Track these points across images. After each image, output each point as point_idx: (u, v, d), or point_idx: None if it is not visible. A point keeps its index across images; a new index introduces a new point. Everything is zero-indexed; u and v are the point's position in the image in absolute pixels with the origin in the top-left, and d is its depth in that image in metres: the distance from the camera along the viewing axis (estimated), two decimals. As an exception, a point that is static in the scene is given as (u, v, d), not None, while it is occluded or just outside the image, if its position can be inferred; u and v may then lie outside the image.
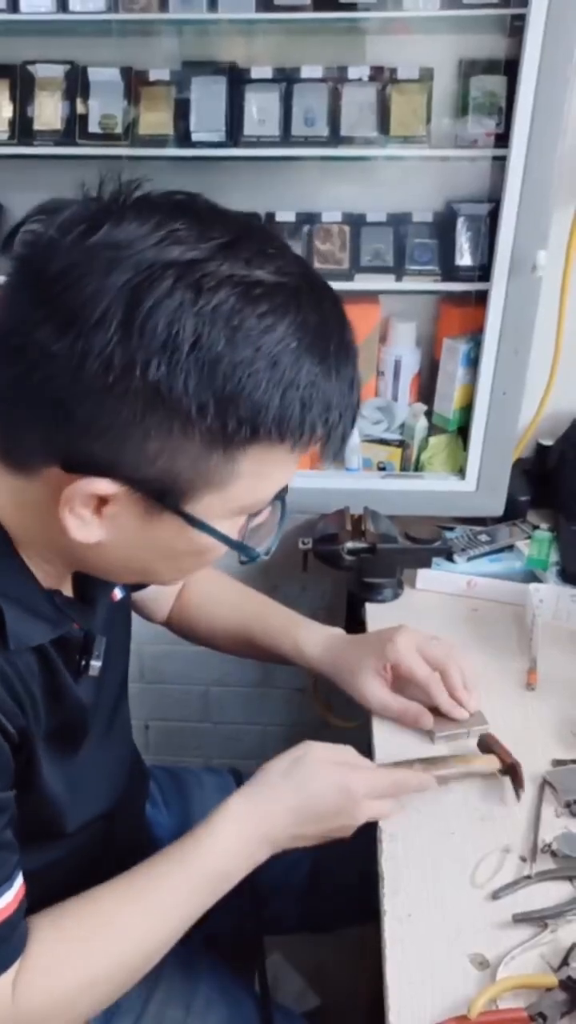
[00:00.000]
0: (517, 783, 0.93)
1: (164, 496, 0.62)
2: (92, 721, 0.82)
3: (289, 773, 0.84)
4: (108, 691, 0.88)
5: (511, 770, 0.94)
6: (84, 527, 0.64)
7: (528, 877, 0.85)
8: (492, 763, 0.95)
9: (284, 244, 0.65)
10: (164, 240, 0.57)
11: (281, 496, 0.71)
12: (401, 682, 1.03)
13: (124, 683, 0.95)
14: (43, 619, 0.71)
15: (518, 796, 0.93)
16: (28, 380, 0.59)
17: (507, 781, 0.95)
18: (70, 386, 0.58)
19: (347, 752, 0.88)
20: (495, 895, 0.84)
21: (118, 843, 0.93)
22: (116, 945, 0.74)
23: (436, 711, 1.02)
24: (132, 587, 0.99)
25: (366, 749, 1.05)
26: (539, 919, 0.81)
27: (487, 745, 0.97)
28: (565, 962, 0.77)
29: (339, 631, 1.10)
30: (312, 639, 1.07)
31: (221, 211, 0.63)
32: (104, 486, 0.61)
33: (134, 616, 1.01)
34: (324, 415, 0.62)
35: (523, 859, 0.87)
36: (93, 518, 0.64)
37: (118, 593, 0.90)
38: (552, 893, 0.84)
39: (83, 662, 0.79)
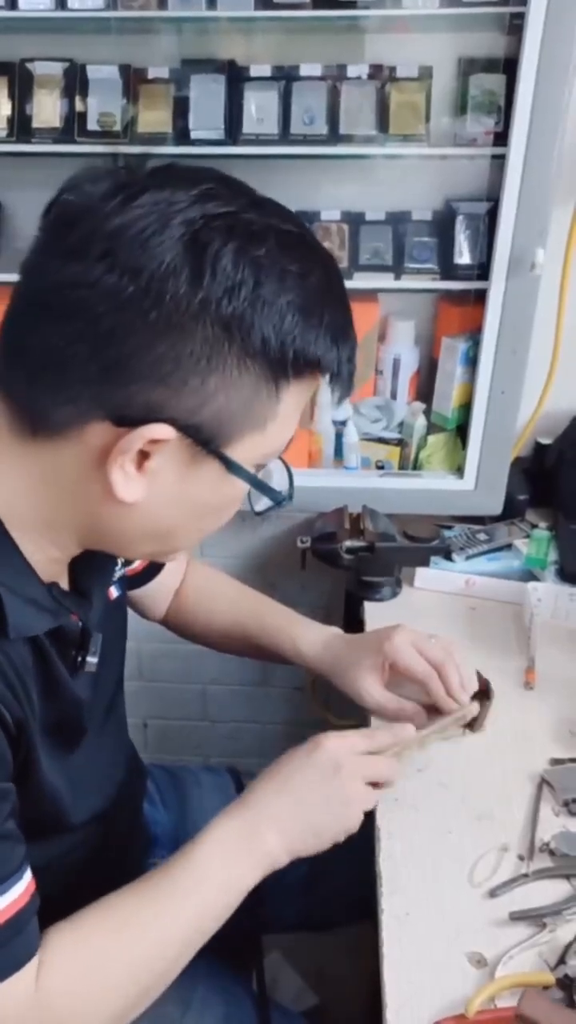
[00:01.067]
0: (483, 710, 0.98)
1: (212, 440, 0.65)
2: (88, 718, 0.82)
3: (267, 770, 0.85)
4: (104, 689, 0.88)
5: (481, 693, 0.98)
6: (128, 483, 0.65)
7: (525, 875, 0.85)
8: (473, 709, 0.98)
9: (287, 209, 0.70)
10: (202, 197, 0.62)
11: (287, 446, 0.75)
12: (397, 681, 1.03)
13: (120, 681, 0.95)
14: (42, 609, 0.71)
15: (471, 727, 0.99)
16: (92, 332, 0.61)
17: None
18: (140, 332, 0.60)
19: (328, 738, 0.87)
20: (492, 893, 0.84)
21: (116, 841, 0.93)
22: (137, 947, 0.73)
23: (432, 710, 1.02)
24: (128, 585, 0.99)
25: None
26: (536, 917, 0.81)
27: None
28: (562, 960, 0.77)
29: (337, 630, 1.10)
30: (310, 639, 1.07)
31: (238, 182, 0.68)
32: (161, 431, 0.63)
33: (131, 615, 1.01)
34: (348, 351, 0.69)
35: (521, 858, 0.88)
36: (137, 474, 0.65)
37: (114, 591, 0.90)
38: (550, 891, 0.84)
39: (79, 658, 0.79)
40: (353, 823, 0.82)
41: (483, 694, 0.99)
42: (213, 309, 0.60)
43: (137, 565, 1.01)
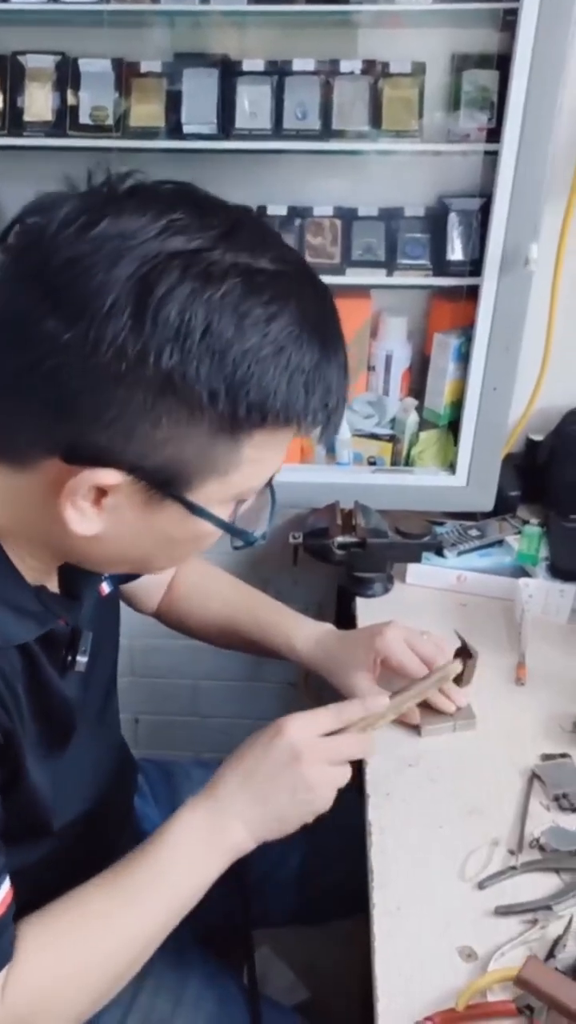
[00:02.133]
0: (466, 669, 0.98)
1: (168, 484, 0.63)
2: (80, 716, 0.81)
3: (230, 759, 0.83)
4: (96, 686, 0.88)
5: (462, 652, 0.98)
6: (84, 520, 0.64)
7: (513, 868, 0.86)
8: (455, 668, 0.98)
9: (277, 233, 0.66)
10: (166, 230, 0.58)
11: (269, 481, 0.72)
12: (389, 677, 1.03)
13: (113, 677, 0.95)
14: (29, 616, 0.71)
15: (458, 681, 0.99)
16: (35, 371, 0.59)
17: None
18: (81, 376, 0.58)
19: (287, 722, 0.84)
20: (480, 885, 0.84)
21: (106, 837, 0.93)
22: (104, 942, 0.73)
23: (423, 705, 1.02)
24: (120, 580, 0.98)
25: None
26: (522, 912, 0.81)
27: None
28: (552, 954, 0.77)
29: (330, 627, 1.10)
30: (304, 634, 1.08)
31: (215, 200, 0.64)
32: (109, 476, 0.61)
33: (124, 609, 1.01)
34: (326, 399, 0.64)
35: (511, 852, 0.88)
36: (93, 510, 0.64)
37: (106, 587, 0.89)
38: (540, 886, 0.84)
39: (69, 658, 0.78)
40: (321, 805, 0.81)
41: (464, 652, 0.98)
42: (152, 361, 0.57)
43: None
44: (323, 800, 0.80)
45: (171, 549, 0.72)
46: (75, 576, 0.79)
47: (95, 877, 0.76)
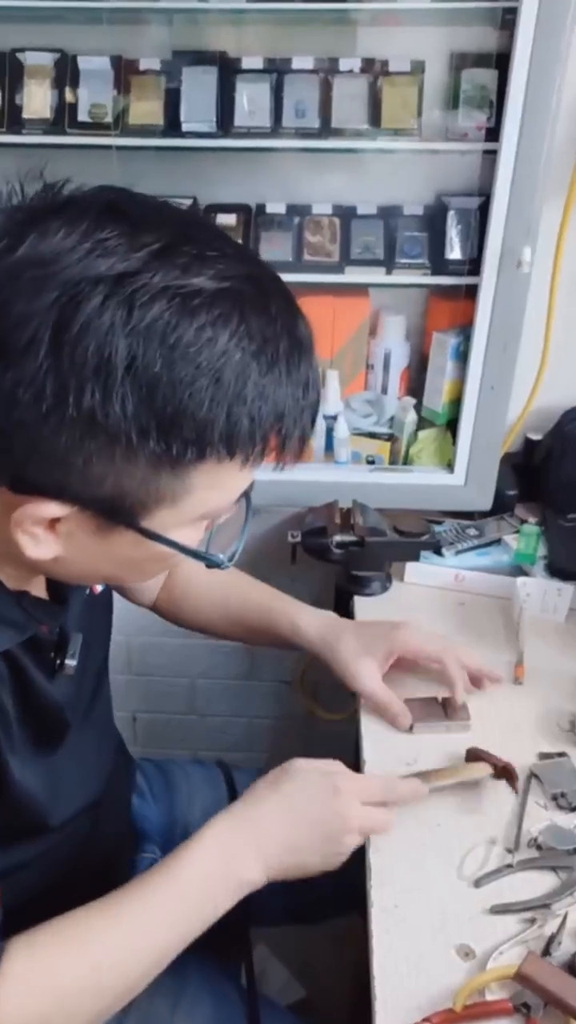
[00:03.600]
0: (514, 782, 0.94)
1: (115, 514, 0.61)
2: (71, 716, 0.81)
3: (276, 782, 0.81)
4: (85, 684, 0.87)
5: (505, 773, 0.94)
6: (38, 545, 0.62)
7: (510, 866, 0.86)
8: (484, 769, 0.95)
9: (226, 240, 0.60)
10: (92, 252, 0.53)
11: (246, 495, 0.69)
12: (397, 676, 1.03)
13: (102, 672, 0.94)
14: (7, 624, 0.69)
15: (514, 789, 0.94)
16: None
17: (502, 783, 0.95)
18: (6, 415, 0.55)
19: (335, 764, 0.85)
20: (477, 883, 0.84)
21: (104, 835, 0.93)
22: (93, 969, 0.70)
23: (417, 703, 1.03)
24: None
25: (353, 742, 1.05)
26: (518, 911, 0.81)
27: (476, 756, 0.97)
28: (547, 951, 0.77)
29: (332, 614, 1.10)
30: (307, 619, 1.07)
31: (156, 208, 0.59)
32: (52, 509, 0.59)
33: (121, 607, 1.01)
34: (276, 425, 0.60)
35: (509, 851, 0.88)
36: (47, 536, 0.62)
37: (98, 586, 0.89)
38: (537, 884, 0.84)
39: (58, 661, 0.77)
40: (334, 864, 0.81)
41: (506, 771, 0.95)
42: (72, 401, 0.53)
43: None
44: (338, 860, 0.81)
45: (136, 569, 0.70)
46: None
47: (99, 900, 0.73)
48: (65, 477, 0.58)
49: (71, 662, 0.77)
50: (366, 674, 1.02)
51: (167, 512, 0.62)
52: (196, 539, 0.67)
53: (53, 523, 0.61)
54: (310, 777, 0.82)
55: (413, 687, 1.07)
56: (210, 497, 0.63)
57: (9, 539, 0.63)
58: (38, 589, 0.76)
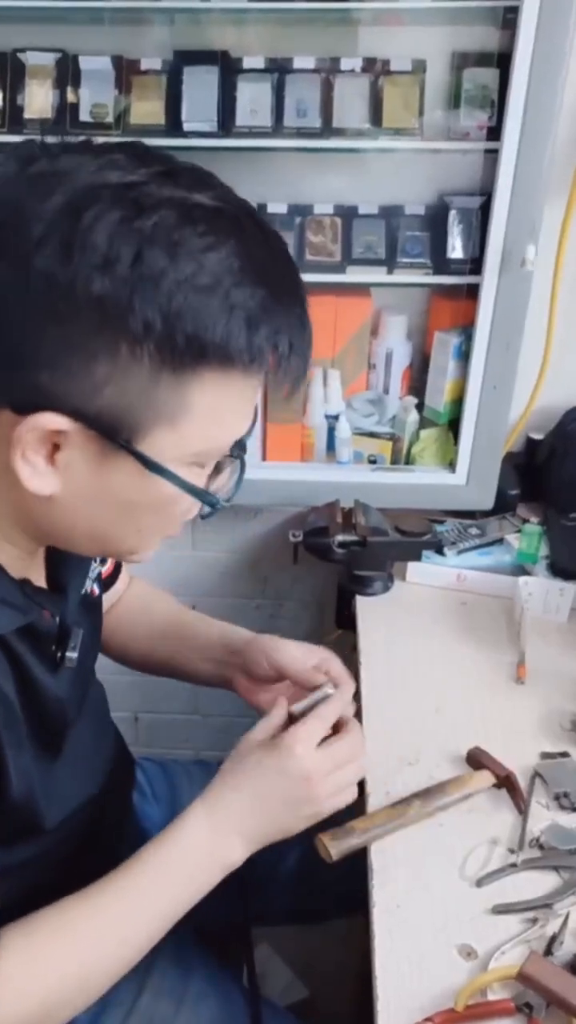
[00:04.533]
0: (516, 794, 0.93)
1: (115, 431, 0.61)
2: (71, 714, 0.81)
3: (237, 763, 0.82)
4: (79, 682, 0.87)
5: (507, 783, 0.94)
6: (37, 476, 0.62)
7: (513, 866, 0.85)
8: (487, 779, 0.94)
9: (224, 184, 0.63)
10: (103, 168, 0.57)
11: (240, 450, 0.70)
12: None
13: (92, 672, 0.93)
14: (10, 607, 0.69)
15: (519, 808, 0.92)
16: None
17: (505, 792, 0.95)
18: (14, 312, 0.57)
19: (275, 717, 0.84)
20: (479, 883, 0.84)
21: (106, 833, 0.93)
22: (88, 957, 0.72)
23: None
24: (105, 586, 0.97)
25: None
26: (523, 910, 0.81)
27: (477, 760, 0.97)
28: (549, 951, 0.77)
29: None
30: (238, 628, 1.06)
31: (163, 154, 0.63)
32: (53, 420, 0.59)
33: None
34: (272, 339, 0.61)
35: (511, 851, 0.88)
36: (47, 467, 0.62)
37: (96, 589, 0.89)
38: (539, 884, 0.84)
39: (59, 654, 0.77)
40: (322, 815, 0.82)
41: (508, 781, 0.94)
42: (82, 287, 0.55)
43: (108, 567, 0.99)
44: (323, 815, 0.81)
45: (133, 517, 0.68)
46: (63, 569, 0.79)
47: (86, 889, 0.74)
48: (68, 381, 0.59)
49: (72, 655, 0.77)
50: (288, 648, 0.97)
51: (167, 435, 0.62)
52: (196, 483, 0.67)
53: (53, 452, 0.62)
54: (262, 753, 0.81)
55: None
56: (208, 429, 0.63)
57: (7, 480, 0.63)
58: (38, 579, 0.76)
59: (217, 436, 0.65)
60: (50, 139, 0.61)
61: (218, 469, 0.70)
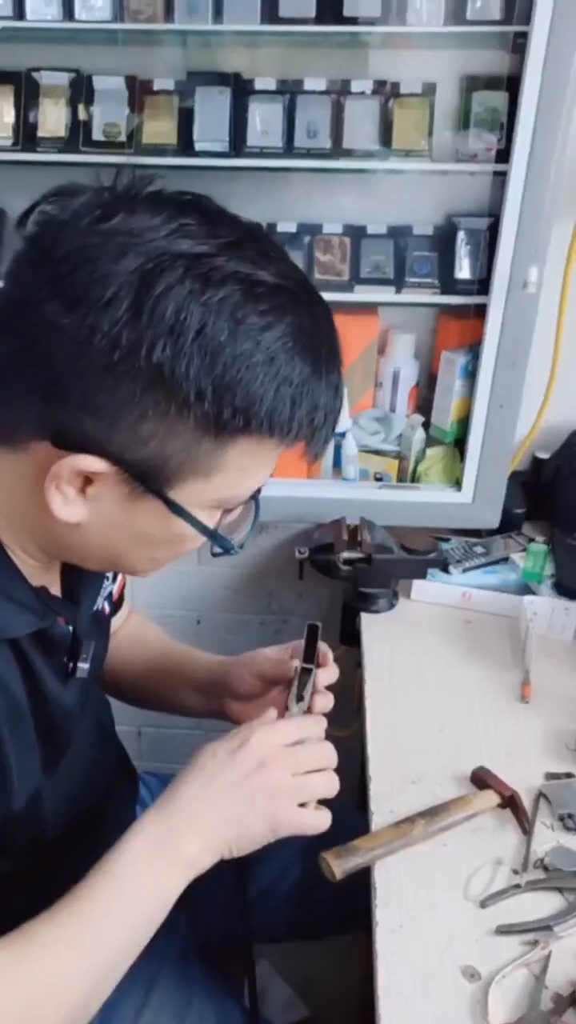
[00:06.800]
0: (520, 815, 0.93)
1: (150, 479, 0.63)
2: (75, 725, 0.81)
3: (192, 765, 0.77)
4: (85, 694, 0.87)
5: (511, 803, 0.94)
6: (67, 505, 0.64)
7: (517, 887, 0.85)
8: (491, 799, 0.94)
9: (284, 251, 0.67)
10: (175, 232, 0.59)
11: (255, 496, 0.73)
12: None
13: (95, 686, 0.93)
14: (28, 610, 0.71)
15: (523, 828, 0.92)
16: (29, 352, 0.60)
17: (509, 813, 0.94)
18: (73, 361, 0.59)
19: (244, 727, 0.79)
20: (483, 903, 0.84)
21: (107, 846, 0.93)
22: (53, 975, 0.67)
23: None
24: (115, 607, 0.98)
25: (359, 759, 1.05)
26: (524, 931, 0.81)
27: (481, 779, 0.96)
28: (544, 969, 0.77)
29: None
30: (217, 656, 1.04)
31: (227, 214, 0.66)
32: (93, 463, 0.62)
33: None
34: (312, 414, 0.64)
35: (516, 871, 0.88)
36: (77, 497, 0.64)
37: (107, 607, 0.89)
38: (544, 905, 0.84)
39: (71, 664, 0.78)
40: (285, 819, 0.74)
41: (512, 801, 0.93)
42: (144, 353, 0.58)
43: (117, 588, 0.99)
44: (287, 814, 0.74)
45: (149, 549, 0.71)
46: (78, 581, 0.79)
47: (48, 910, 0.69)
48: (113, 431, 0.61)
49: (84, 665, 0.78)
50: (269, 653, 0.96)
51: (197, 486, 0.65)
52: (209, 525, 0.69)
53: (85, 485, 0.64)
54: (220, 747, 0.77)
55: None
56: (237, 480, 0.66)
57: (36, 503, 0.65)
58: (54, 589, 0.77)
59: (244, 485, 0.68)
60: (118, 184, 0.63)
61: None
